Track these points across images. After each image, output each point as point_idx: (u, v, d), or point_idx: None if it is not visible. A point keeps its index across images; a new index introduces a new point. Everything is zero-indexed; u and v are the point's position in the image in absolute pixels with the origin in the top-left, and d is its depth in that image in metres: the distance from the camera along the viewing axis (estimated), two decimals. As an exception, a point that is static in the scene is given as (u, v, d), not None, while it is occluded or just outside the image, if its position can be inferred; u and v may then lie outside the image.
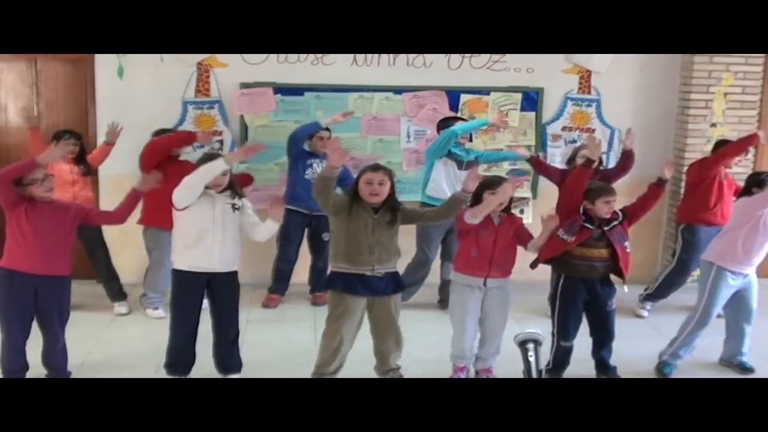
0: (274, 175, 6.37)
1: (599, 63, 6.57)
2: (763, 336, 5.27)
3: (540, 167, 5.87)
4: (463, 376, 4.55)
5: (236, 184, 4.37)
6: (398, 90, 6.43)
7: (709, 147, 5.96)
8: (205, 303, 4.40)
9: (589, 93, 6.67)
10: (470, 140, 6.44)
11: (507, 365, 4.56)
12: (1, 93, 6.27)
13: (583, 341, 4.57)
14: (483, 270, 4.37)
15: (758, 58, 6.50)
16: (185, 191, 4.15)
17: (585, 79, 6.64)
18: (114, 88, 6.23)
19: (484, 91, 6.51)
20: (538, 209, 6.59)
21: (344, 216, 4.11)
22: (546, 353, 4.46)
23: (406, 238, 5.07)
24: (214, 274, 4.28)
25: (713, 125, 6.46)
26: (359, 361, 4.39)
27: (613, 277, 4.55)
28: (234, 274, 4.39)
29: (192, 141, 5.54)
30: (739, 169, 6.45)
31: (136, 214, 5.13)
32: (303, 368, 4.44)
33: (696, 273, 5.69)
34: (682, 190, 6.24)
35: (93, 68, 6.21)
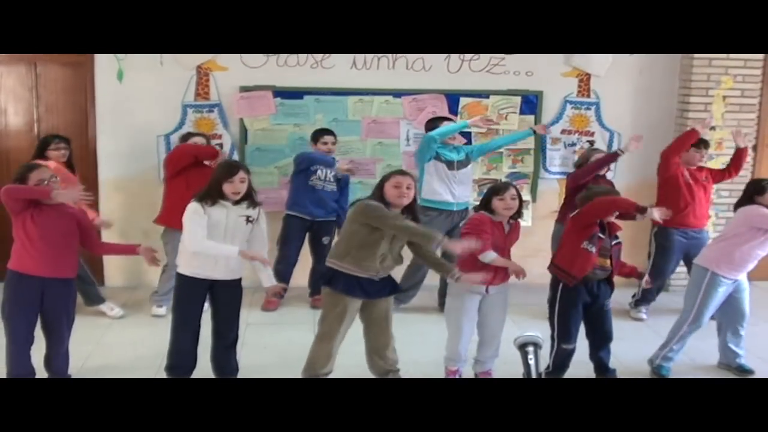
0: (274, 178, 6.38)
1: (598, 66, 6.58)
2: (760, 338, 5.28)
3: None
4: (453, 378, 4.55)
5: (254, 194, 4.28)
6: (398, 93, 6.44)
7: (709, 150, 5.96)
8: (206, 305, 4.40)
9: (588, 96, 6.67)
10: (469, 142, 6.48)
11: (506, 368, 4.56)
12: (1, 96, 6.27)
13: (580, 344, 4.56)
14: (488, 277, 4.36)
15: (757, 62, 6.51)
16: (194, 251, 4.14)
17: (584, 82, 6.65)
18: (113, 92, 6.23)
19: (484, 94, 6.51)
20: (537, 212, 6.61)
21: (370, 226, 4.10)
22: (545, 356, 4.46)
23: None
24: (217, 281, 4.25)
25: (712, 128, 6.46)
26: (357, 363, 4.38)
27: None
28: (238, 281, 4.35)
29: (215, 157, 5.56)
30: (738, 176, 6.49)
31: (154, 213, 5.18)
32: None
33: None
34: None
35: (93, 72, 6.22)
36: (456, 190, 5.68)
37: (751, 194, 4.76)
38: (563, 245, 4.50)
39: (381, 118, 6.46)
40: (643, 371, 4.87)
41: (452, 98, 6.49)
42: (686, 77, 6.57)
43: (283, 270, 6.01)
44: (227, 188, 4.11)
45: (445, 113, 6.43)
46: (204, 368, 4.41)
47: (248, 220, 4.21)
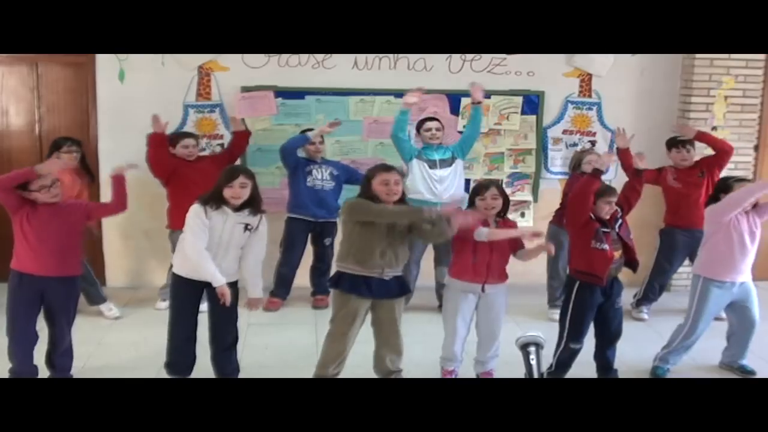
0: (275, 178, 6.37)
1: (600, 66, 6.58)
2: (763, 339, 5.27)
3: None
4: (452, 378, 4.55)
5: (258, 202, 4.22)
6: (399, 93, 6.39)
7: (710, 150, 5.96)
8: (205, 306, 4.40)
9: (589, 96, 6.67)
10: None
11: (508, 368, 4.55)
12: (3, 97, 6.27)
13: (584, 344, 4.56)
14: (481, 276, 4.36)
15: (759, 62, 6.50)
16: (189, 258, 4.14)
17: (586, 82, 6.65)
18: (115, 92, 6.23)
19: (485, 94, 6.49)
20: (538, 213, 6.61)
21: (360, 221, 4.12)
22: (547, 356, 4.45)
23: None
24: (208, 284, 4.21)
25: (714, 128, 6.46)
26: (360, 363, 4.38)
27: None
28: (233, 284, 4.30)
29: (162, 139, 5.60)
30: (739, 173, 6.46)
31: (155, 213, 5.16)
32: (304, 371, 4.44)
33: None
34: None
35: (94, 72, 6.22)
36: (438, 188, 5.68)
37: (718, 193, 4.77)
38: (575, 252, 4.53)
39: (382, 118, 6.45)
40: (644, 371, 4.87)
41: (454, 98, 6.48)
42: (688, 77, 6.57)
43: (287, 273, 6.02)
44: (227, 193, 4.09)
45: (447, 113, 6.43)
46: (206, 368, 4.41)
47: (246, 228, 4.17)
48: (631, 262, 4.50)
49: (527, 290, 4.82)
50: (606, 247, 4.33)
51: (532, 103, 6.57)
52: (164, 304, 5.66)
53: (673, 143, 5.92)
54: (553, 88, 6.59)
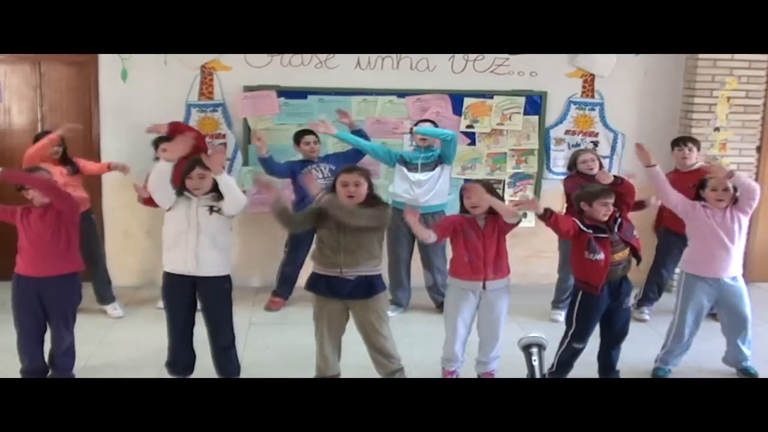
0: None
1: (603, 67, 6.57)
2: (764, 340, 5.27)
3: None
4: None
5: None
6: (402, 93, 6.44)
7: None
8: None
9: (592, 97, 6.67)
10: (473, 143, 6.49)
11: (510, 369, 4.54)
12: (5, 95, 6.28)
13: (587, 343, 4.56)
14: (479, 273, 4.36)
15: (762, 63, 6.49)
16: (152, 193, 4.22)
17: (588, 82, 6.64)
18: (118, 91, 6.24)
19: (488, 94, 6.51)
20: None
21: (318, 221, 4.14)
22: (549, 357, 4.45)
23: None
24: (197, 278, 4.23)
25: (717, 129, 6.45)
26: (363, 363, 4.38)
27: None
28: (221, 279, 4.30)
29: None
30: (742, 174, 6.45)
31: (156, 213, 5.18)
32: (305, 371, 4.44)
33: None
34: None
35: (97, 71, 6.23)
36: (415, 190, 5.70)
37: (698, 189, 4.80)
38: (572, 260, 4.55)
39: (385, 118, 6.46)
40: (645, 372, 4.87)
41: (456, 98, 6.48)
42: (691, 78, 6.56)
43: (290, 273, 6.04)
44: (188, 184, 4.19)
45: (449, 113, 6.44)
46: (209, 368, 4.41)
47: (212, 210, 4.19)
48: (635, 255, 4.51)
49: (529, 291, 4.83)
50: (600, 257, 4.32)
51: (535, 103, 6.56)
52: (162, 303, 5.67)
53: (674, 143, 5.91)
54: (555, 89, 6.58)
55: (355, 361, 4.39)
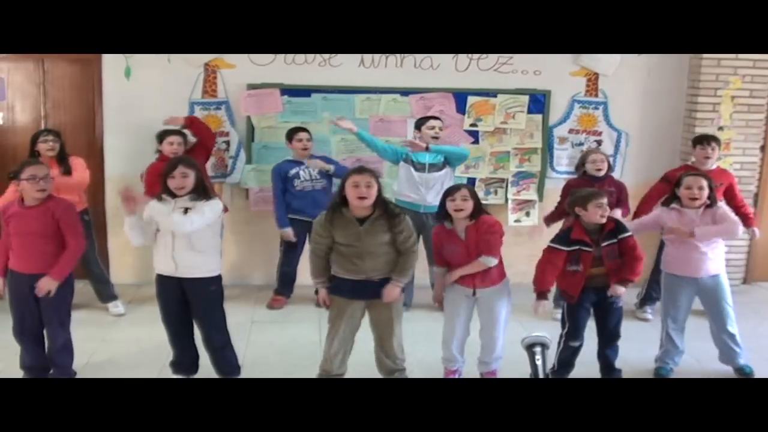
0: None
1: (607, 66, 6.56)
2: (763, 339, 5.27)
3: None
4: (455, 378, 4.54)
5: (205, 189, 4.22)
6: (405, 92, 6.43)
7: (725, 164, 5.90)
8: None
9: (596, 96, 6.65)
10: (476, 141, 6.48)
11: (514, 368, 4.54)
12: (9, 93, 6.28)
13: (588, 343, 4.55)
14: (468, 282, 4.35)
15: (766, 62, 6.47)
16: (132, 241, 4.28)
17: (592, 81, 6.63)
18: (121, 89, 6.23)
19: (491, 93, 6.49)
20: (544, 212, 6.58)
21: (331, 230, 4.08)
22: (550, 357, 4.44)
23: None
24: (183, 280, 4.21)
25: (720, 128, 6.43)
26: (365, 362, 4.38)
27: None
28: (205, 281, 4.24)
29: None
30: (745, 173, 6.46)
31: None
32: (307, 369, 4.44)
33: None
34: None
35: (100, 69, 6.22)
36: (422, 191, 5.70)
37: (674, 188, 4.79)
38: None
39: (388, 116, 6.45)
40: (647, 371, 4.86)
41: (460, 97, 6.47)
42: (695, 77, 6.54)
43: (289, 272, 6.05)
44: (171, 183, 4.14)
45: (453, 112, 6.43)
46: (209, 367, 4.42)
47: (186, 211, 4.11)
48: (623, 280, 4.38)
49: (531, 290, 4.80)
50: (579, 268, 4.33)
51: (539, 102, 6.55)
52: None
53: (698, 141, 5.82)
54: (559, 88, 6.57)
55: (358, 360, 4.38)
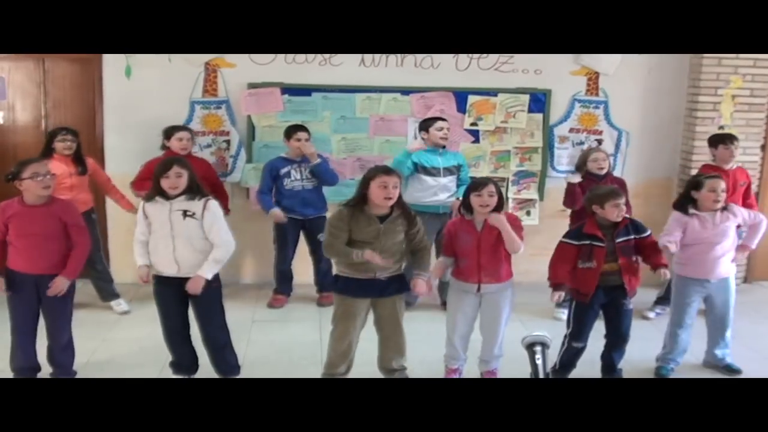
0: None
1: (607, 65, 6.55)
2: (763, 339, 5.27)
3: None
4: (455, 377, 4.54)
5: (198, 188, 4.19)
6: (406, 91, 6.42)
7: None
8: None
9: (596, 95, 6.65)
10: (477, 140, 6.47)
11: (514, 367, 4.54)
12: (9, 92, 6.28)
13: (591, 343, 4.54)
14: (474, 276, 4.33)
15: (767, 61, 6.46)
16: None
17: (593, 81, 6.62)
18: (122, 88, 6.23)
19: (492, 92, 6.49)
20: (544, 211, 6.59)
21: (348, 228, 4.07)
22: (553, 356, 4.44)
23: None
24: (183, 280, 4.19)
25: (721, 128, 6.42)
26: (365, 362, 4.38)
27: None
28: (211, 279, 4.22)
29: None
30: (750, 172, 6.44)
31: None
32: (308, 368, 4.45)
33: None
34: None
35: (101, 68, 6.22)
36: (439, 195, 5.75)
37: (688, 191, 4.74)
38: None
39: (389, 115, 6.45)
40: (648, 371, 4.86)
41: (460, 96, 6.47)
42: (695, 76, 6.54)
43: (285, 270, 6.04)
44: (164, 183, 4.12)
45: (453, 111, 6.42)
46: (209, 367, 4.42)
47: (185, 214, 4.12)
48: (659, 265, 4.40)
49: (532, 289, 4.82)
50: (593, 264, 4.33)
51: (539, 101, 6.54)
52: None
53: (721, 140, 5.78)
54: (560, 87, 6.56)
55: (359, 360, 4.37)
